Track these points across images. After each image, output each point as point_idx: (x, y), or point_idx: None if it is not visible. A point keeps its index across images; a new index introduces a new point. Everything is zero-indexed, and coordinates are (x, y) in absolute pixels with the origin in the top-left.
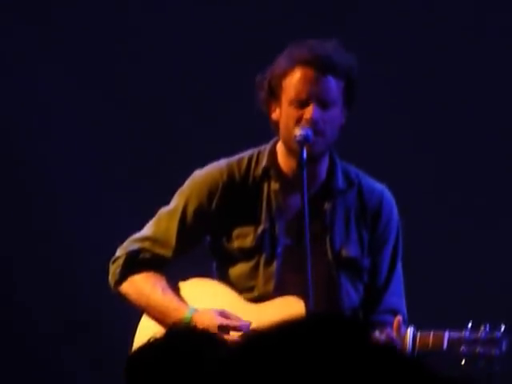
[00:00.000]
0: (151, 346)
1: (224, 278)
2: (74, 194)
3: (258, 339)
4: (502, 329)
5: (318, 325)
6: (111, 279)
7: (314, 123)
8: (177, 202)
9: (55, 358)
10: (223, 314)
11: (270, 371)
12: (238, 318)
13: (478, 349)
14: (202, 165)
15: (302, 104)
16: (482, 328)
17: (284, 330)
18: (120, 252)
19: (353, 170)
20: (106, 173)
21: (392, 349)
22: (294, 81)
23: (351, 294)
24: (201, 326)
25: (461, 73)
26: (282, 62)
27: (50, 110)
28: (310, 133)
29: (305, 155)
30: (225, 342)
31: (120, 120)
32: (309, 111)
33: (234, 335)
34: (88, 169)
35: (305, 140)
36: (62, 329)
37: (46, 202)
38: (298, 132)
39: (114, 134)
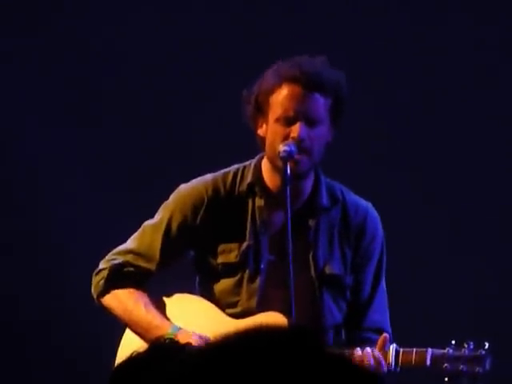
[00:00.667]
0: (134, 360)
1: (207, 293)
2: (62, 195)
3: (216, 348)
4: (486, 347)
5: (275, 336)
6: (94, 291)
7: (300, 141)
8: (161, 215)
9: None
10: (203, 338)
11: (224, 379)
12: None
13: (462, 366)
14: (189, 179)
15: (288, 121)
16: (466, 346)
17: (242, 340)
18: (103, 264)
19: (337, 186)
20: (96, 177)
21: (346, 360)
22: (281, 98)
23: (333, 311)
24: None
25: (444, 88)
26: (269, 77)
27: (39, 110)
28: (293, 149)
29: (288, 171)
30: None
31: (111, 123)
32: (296, 129)
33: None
34: (78, 170)
35: (288, 156)
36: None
37: (33, 200)
38: (282, 148)
39: (104, 136)
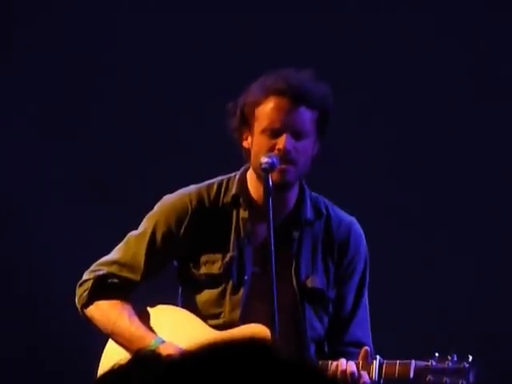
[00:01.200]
0: (115, 371)
1: (190, 304)
2: (42, 209)
3: (184, 358)
4: (470, 359)
5: (233, 347)
6: (78, 302)
7: (286, 153)
8: (145, 226)
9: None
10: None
11: None
12: None
13: (445, 379)
14: (174, 189)
15: (274, 133)
16: (450, 358)
17: (208, 352)
18: (87, 275)
19: (322, 200)
20: (77, 190)
21: (301, 364)
22: (267, 110)
23: (315, 324)
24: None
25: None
26: (255, 90)
27: (12, 122)
28: (275, 161)
29: (270, 183)
30: None
31: (91, 135)
32: (281, 141)
33: None
34: (55, 183)
35: (270, 168)
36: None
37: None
38: (264, 160)
39: (84, 148)
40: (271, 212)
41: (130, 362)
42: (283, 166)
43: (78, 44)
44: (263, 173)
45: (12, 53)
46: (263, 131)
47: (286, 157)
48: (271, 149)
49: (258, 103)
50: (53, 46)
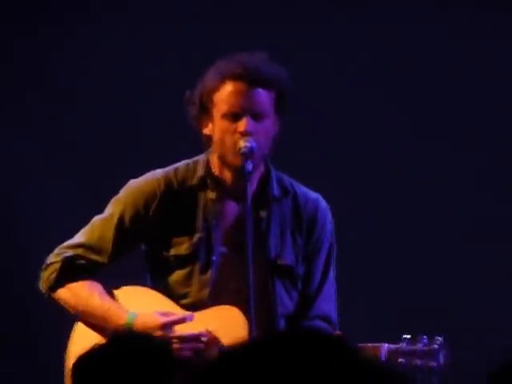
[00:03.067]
0: (96, 352)
1: (159, 286)
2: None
3: (238, 353)
4: (439, 341)
5: (302, 340)
6: (44, 285)
7: (247, 135)
8: (112, 209)
9: None
10: (165, 314)
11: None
12: (181, 313)
13: (416, 361)
14: (135, 176)
15: (235, 117)
16: (420, 340)
17: (266, 346)
18: (53, 258)
19: (287, 179)
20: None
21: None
22: (225, 95)
23: (285, 300)
24: (143, 329)
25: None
26: (211, 76)
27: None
28: (254, 145)
29: (250, 167)
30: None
31: (80, 127)
32: (242, 124)
33: (179, 330)
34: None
35: (250, 152)
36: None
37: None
38: (243, 144)
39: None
40: (249, 197)
41: (109, 342)
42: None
43: None
44: (242, 157)
45: None
46: (223, 116)
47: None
48: (233, 132)
49: (215, 89)
50: None
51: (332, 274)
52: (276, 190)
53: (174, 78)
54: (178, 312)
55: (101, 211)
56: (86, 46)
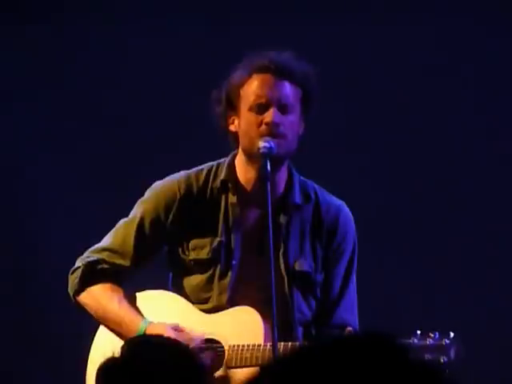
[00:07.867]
0: (114, 362)
1: (179, 289)
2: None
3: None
4: (451, 336)
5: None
6: (70, 290)
7: (275, 126)
8: (135, 212)
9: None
10: (176, 328)
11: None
12: (191, 331)
13: (427, 355)
14: (165, 176)
15: (261, 108)
16: (431, 335)
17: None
18: (79, 263)
19: (310, 184)
20: (74, 177)
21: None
22: (252, 87)
23: (303, 307)
24: None
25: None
26: (238, 72)
27: (13, 107)
28: (273, 145)
29: (269, 167)
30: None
31: (91, 124)
32: (269, 115)
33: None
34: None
35: (269, 152)
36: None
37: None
38: (262, 144)
39: (79, 135)
40: (269, 196)
41: (122, 351)
42: (274, 141)
43: None
44: (261, 157)
45: None
46: (250, 109)
47: (275, 130)
48: (260, 124)
49: (242, 83)
50: None
51: (353, 282)
52: (298, 197)
53: (199, 79)
54: (197, 319)
55: (123, 214)
56: (100, 46)
